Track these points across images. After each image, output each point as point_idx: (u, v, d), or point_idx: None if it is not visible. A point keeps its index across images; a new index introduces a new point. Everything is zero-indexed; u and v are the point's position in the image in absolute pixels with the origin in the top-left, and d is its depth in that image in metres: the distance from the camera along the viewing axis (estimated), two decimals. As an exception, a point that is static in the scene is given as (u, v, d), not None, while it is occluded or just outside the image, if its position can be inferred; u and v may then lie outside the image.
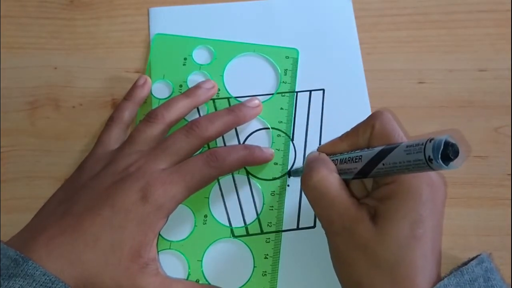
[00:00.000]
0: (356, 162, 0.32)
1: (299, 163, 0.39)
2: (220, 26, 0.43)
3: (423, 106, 0.42)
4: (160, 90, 0.41)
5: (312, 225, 0.38)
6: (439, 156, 0.25)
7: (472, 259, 0.31)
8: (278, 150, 0.39)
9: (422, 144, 0.26)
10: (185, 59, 0.42)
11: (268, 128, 0.40)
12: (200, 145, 0.37)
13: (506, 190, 0.40)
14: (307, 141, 0.40)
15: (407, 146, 0.28)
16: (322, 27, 0.43)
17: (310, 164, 0.34)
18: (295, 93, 0.41)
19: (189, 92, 0.40)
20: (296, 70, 0.42)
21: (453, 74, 0.43)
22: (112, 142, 0.38)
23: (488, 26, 0.44)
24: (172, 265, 0.36)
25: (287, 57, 0.42)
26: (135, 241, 0.32)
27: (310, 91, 0.41)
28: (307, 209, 0.38)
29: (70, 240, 0.32)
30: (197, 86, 0.40)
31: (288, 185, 0.39)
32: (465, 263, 0.31)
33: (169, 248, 0.37)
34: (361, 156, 0.31)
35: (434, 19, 0.44)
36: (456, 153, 0.26)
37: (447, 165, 0.26)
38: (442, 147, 0.25)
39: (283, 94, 0.41)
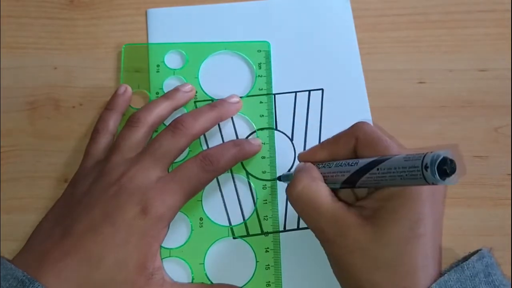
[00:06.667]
0: (351, 166, 0.31)
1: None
2: (218, 26, 0.43)
3: (423, 106, 0.42)
4: (137, 100, 0.41)
5: (312, 225, 0.38)
6: (436, 167, 0.26)
7: (473, 254, 0.31)
8: (264, 143, 0.39)
9: (423, 154, 0.27)
10: (157, 66, 0.41)
11: (254, 132, 0.40)
12: (188, 143, 0.36)
13: (506, 190, 0.40)
14: (306, 141, 0.40)
15: (407, 155, 0.28)
16: (320, 27, 0.43)
17: (294, 175, 0.33)
18: (272, 87, 0.41)
19: (169, 94, 0.39)
20: (270, 62, 0.42)
21: (453, 74, 0.43)
22: (100, 153, 0.37)
23: (488, 26, 0.44)
24: (175, 272, 0.36)
25: (259, 51, 0.42)
26: (140, 255, 0.32)
27: (309, 91, 0.41)
28: (306, 209, 0.38)
29: (75, 262, 0.31)
30: (176, 89, 0.40)
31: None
32: (466, 258, 0.31)
33: (169, 256, 0.37)
34: (357, 162, 0.31)
35: (434, 19, 0.44)
36: (453, 170, 0.26)
37: (443, 179, 0.26)
38: (440, 159, 0.26)
39: (260, 88, 0.41)
